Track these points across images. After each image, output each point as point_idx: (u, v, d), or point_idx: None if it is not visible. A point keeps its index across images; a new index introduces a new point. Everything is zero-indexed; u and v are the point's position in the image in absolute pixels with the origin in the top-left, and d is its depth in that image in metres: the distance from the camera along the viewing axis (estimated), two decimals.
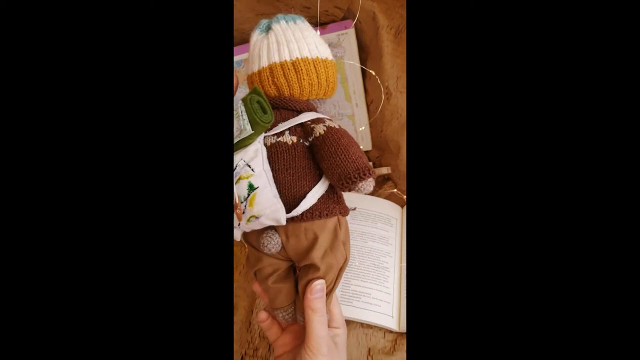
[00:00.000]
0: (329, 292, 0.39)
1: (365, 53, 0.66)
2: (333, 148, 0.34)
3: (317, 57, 0.38)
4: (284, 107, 0.38)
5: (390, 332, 0.55)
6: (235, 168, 0.34)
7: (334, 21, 0.64)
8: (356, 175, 0.33)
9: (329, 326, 0.41)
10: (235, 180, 0.34)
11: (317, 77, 0.38)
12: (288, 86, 0.37)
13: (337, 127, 0.36)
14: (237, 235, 0.37)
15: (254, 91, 0.35)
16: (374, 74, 0.59)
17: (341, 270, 0.39)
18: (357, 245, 0.60)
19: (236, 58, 0.65)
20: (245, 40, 0.66)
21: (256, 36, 0.39)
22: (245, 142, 0.35)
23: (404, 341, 0.53)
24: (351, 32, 0.64)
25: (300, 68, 0.37)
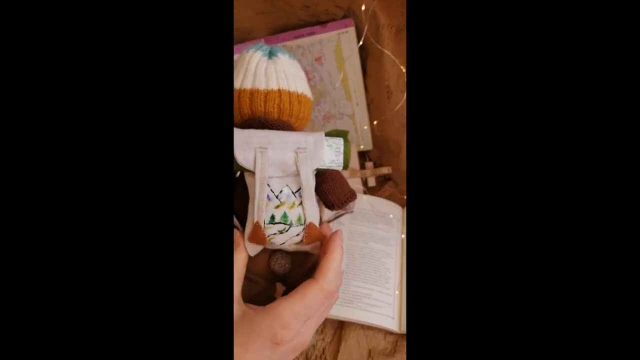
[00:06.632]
0: None
1: (366, 52, 0.66)
2: (335, 173, 0.41)
3: (310, 98, 0.44)
4: (288, 130, 0.42)
5: (391, 333, 0.55)
6: (300, 190, 0.37)
7: (334, 20, 0.64)
8: (353, 196, 0.41)
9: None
10: (299, 200, 0.36)
11: (307, 113, 0.43)
12: (290, 113, 0.41)
13: None
14: (254, 252, 0.38)
15: (344, 134, 0.39)
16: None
17: None
18: (357, 246, 0.60)
19: (236, 57, 0.65)
20: (246, 39, 0.66)
21: (258, 56, 0.42)
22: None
23: (405, 343, 0.53)
24: (351, 30, 0.63)
25: (302, 101, 0.42)
